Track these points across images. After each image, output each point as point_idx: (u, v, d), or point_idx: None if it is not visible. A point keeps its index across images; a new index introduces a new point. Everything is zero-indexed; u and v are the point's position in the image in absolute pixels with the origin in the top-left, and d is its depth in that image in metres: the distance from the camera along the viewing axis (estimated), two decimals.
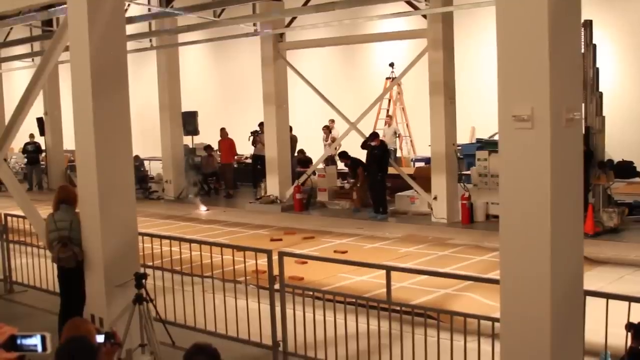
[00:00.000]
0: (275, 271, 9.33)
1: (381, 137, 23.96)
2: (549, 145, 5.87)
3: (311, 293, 9.58)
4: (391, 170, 21.34)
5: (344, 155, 21.91)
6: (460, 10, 19.71)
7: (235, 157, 26.27)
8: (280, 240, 16.90)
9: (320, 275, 12.51)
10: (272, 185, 22.25)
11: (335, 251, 15.39)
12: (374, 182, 20.05)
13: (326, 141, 25.36)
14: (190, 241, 11.38)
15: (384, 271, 8.69)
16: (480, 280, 10.22)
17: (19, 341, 3.66)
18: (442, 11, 17.97)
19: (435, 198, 18.70)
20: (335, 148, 23.42)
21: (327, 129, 25.61)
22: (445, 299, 11.44)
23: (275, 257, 9.41)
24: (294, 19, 22.30)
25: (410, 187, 20.16)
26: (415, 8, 19.38)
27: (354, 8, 20.29)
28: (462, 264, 13.90)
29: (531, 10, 5.97)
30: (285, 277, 9.40)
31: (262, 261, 9.64)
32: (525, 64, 6.03)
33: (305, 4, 21.57)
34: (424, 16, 19.04)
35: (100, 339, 5.98)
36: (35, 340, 3.64)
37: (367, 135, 20.52)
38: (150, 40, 24.79)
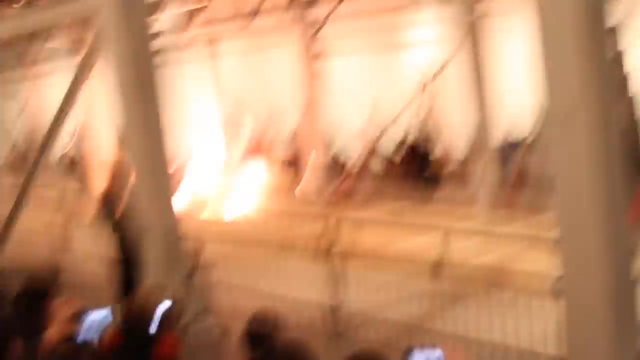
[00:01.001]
0: (333, 235, 9.36)
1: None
2: None
3: (370, 256, 9.61)
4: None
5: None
6: None
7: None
8: (338, 204, 16.84)
9: (378, 238, 12.48)
10: None
11: (392, 214, 15.28)
12: None
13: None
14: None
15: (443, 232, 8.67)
16: (540, 239, 10.07)
17: (86, 315, 3.75)
18: None
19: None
20: None
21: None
22: (506, 258, 11.33)
23: (333, 221, 9.42)
24: None
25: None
26: None
27: None
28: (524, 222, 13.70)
29: None
30: (343, 241, 9.41)
31: (320, 225, 9.65)
32: None
33: None
34: None
35: (165, 306, 6.10)
36: (101, 314, 3.73)
37: None
38: None
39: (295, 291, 10.07)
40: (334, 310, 9.46)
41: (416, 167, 20.10)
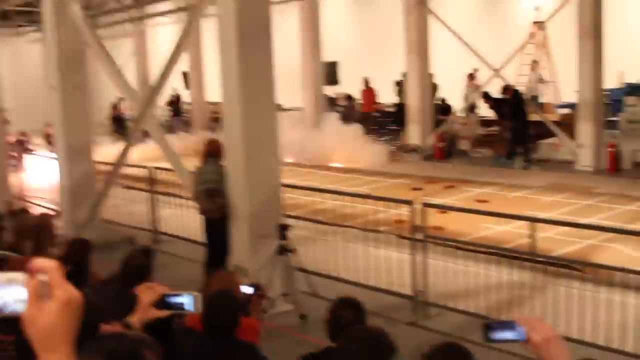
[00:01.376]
0: (417, 221, 9.35)
1: (526, 83, 23.47)
2: None
3: (452, 243, 9.59)
4: (535, 117, 20.95)
5: (487, 96, 21.53)
6: None
7: (376, 106, 26.27)
8: (421, 189, 16.85)
9: (462, 225, 12.42)
10: (413, 133, 22.16)
11: (476, 200, 15.25)
12: (513, 130, 19.91)
13: (469, 88, 25.02)
14: (331, 192, 11.53)
15: (527, 222, 8.60)
16: (627, 233, 9.93)
17: (169, 300, 3.82)
18: None
19: (580, 145, 18.22)
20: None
21: (471, 77, 25.23)
22: (590, 250, 11.18)
23: (417, 207, 9.42)
24: None
25: (554, 134, 19.69)
26: None
27: None
28: (607, 214, 13.53)
29: None
30: (426, 228, 9.41)
31: (403, 211, 9.67)
32: None
33: None
34: None
35: (247, 290, 6.19)
36: (184, 299, 3.78)
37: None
38: None
39: (377, 277, 10.09)
40: (416, 298, 9.46)
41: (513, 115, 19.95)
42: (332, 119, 23.02)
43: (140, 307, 3.85)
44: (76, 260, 7.04)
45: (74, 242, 7.60)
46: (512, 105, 19.84)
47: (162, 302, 3.82)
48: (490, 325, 2.86)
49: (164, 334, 4.18)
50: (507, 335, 2.83)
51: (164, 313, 3.84)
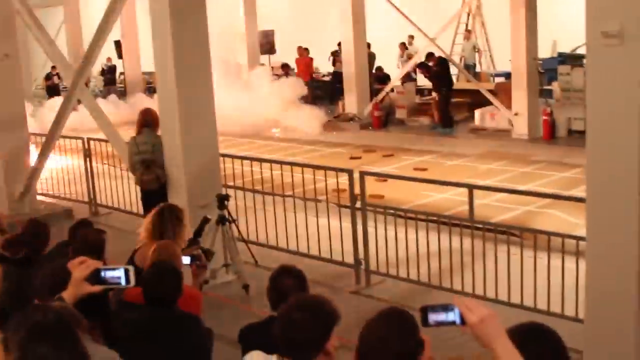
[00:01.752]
0: (356, 190, 9.34)
1: (460, 53, 23.59)
2: (639, 63, 5.66)
3: (392, 211, 9.59)
4: (470, 86, 21.09)
5: (423, 66, 21.60)
6: None
7: (313, 76, 26.17)
8: (360, 158, 16.87)
9: (401, 193, 12.47)
10: (350, 102, 22.13)
11: (415, 169, 15.32)
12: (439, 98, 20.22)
13: (402, 57, 25.08)
14: (271, 161, 11.44)
15: (466, 189, 8.63)
16: (564, 198, 10.04)
17: (103, 274, 3.71)
18: None
19: (516, 114, 18.38)
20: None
21: (403, 46, 25.26)
22: (528, 216, 11.31)
23: (355, 176, 9.41)
24: None
25: (490, 103, 19.83)
26: None
27: None
28: (544, 181, 13.71)
29: None
30: (366, 196, 9.40)
31: (342, 180, 9.65)
32: None
33: None
34: None
35: (186, 260, 6.11)
36: (119, 273, 3.68)
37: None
38: None
39: (319, 246, 10.07)
40: (357, 266, 9.46)
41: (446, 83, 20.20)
42: (269, 87, 22.86)
43: (72, 282, 3.72)
44: (32, 244, 6.90)
45: (30, 225, 7.43)
46: (437, 73, 20.01)
47: (96, 277, 3.71)
48: (427, 308, 2.84)
49: (98, 309, 4.08)
50: (445, 317, 2.82)
51: (97, 288, 3.72)
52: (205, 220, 8.33)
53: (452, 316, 2.82)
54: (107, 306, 4.66)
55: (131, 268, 3.68)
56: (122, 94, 29.66)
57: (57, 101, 21.66)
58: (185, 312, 5.24)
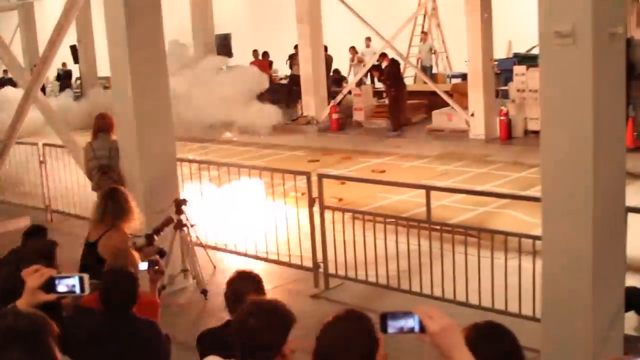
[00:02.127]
0: (314, 193, 9.34)
1: (417, 54, 23.71)
2: (591, 62, 5.71)
3: (350, 214, 9.61)
4: (427, 87, 21.18)
5: (375, 67, 21.69)
6: None
7: (271, 78, 26.13)
8: (318, 161, 16.88)
9: (359, 195, 12.49)
10: (308, 105, 22.12)
11: (373, 171, 15.37)
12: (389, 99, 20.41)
13: (352, 61, 25.15)
14: (229, 165, 11.42)
15: (423, 190, 8.66)
16: (521, 198, 10.12)
17: (57, 282, 3.66)
18: None
19: (472, 115, 18.50)
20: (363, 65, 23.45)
21: (354, 50, 25.28)
22: (485, 216, 11.39)
23: (314, 179, 9.41)
24: None
25: (447, 104, 19.95)
26: None
27: None
28: (501, 181, 13.82)
29: None
30: (324, 199, 9.40)
31: (301, 183, 9.64)
32: None
33: None
34: None
35: (143, 266, 6.07)
36: (73, 281, 3.63)
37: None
38: None
39: (278, 250, 10.05)
40: (316, 270, 9.45)
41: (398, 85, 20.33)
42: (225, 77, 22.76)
43: (26, 290, 3.66)
44: None
45: None
46: (389, 74, 20.12)
47: (50, 285, 3.65)
48: (387, 315, 2.84)
49: (52, 318, 4.02)
50: (404, 325, 2.81)
51: (51, 297, 3.67)
52: (169, 220, 8.34)
53: (412, 323, 2.81)
54: (61, 314, 4.60)
55: (86, 276, 3.63)
56: (78, 99, 29.45)
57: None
58: (142, 318, 5.19)
